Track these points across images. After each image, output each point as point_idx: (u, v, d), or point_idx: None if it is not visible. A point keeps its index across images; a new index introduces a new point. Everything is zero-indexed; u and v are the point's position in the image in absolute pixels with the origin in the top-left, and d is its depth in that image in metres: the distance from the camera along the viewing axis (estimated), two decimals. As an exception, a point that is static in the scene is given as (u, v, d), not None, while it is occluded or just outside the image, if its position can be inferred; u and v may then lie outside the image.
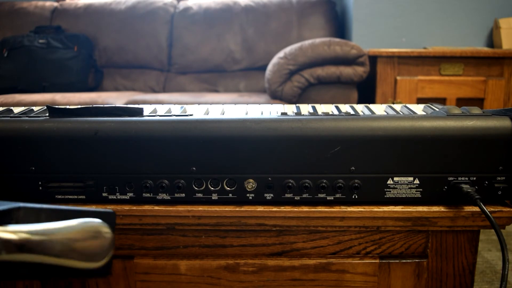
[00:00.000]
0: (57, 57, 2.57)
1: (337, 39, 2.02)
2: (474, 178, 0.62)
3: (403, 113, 0.71)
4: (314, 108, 0.79)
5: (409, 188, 0.63)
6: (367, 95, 2.22)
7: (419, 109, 0.76)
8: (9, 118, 0.65)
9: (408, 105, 0.78)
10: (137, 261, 0.67)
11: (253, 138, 0.61)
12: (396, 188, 0.63)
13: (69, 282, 0.68)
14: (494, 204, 0.63)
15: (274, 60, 2.10)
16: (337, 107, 0.78)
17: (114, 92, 2.51)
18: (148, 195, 0.64)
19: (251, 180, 0.62)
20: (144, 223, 0.64)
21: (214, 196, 0.63)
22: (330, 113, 0.68)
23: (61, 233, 0.38)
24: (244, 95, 2.24)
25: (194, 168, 0.62)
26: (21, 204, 0.38)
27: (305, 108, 0.78)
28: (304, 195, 0.63)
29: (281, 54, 2.08)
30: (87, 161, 0.63)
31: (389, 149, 0.61)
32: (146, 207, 0.63)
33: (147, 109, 0.73)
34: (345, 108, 0.79)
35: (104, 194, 0.64)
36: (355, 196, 0.63)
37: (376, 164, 0.62)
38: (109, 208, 0.63)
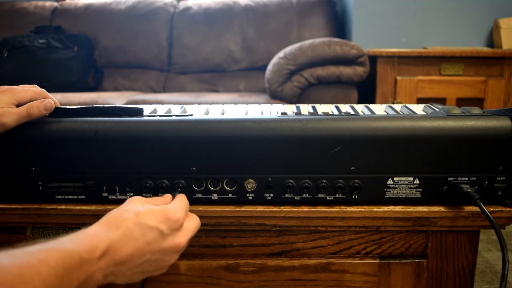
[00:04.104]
0: (57, 57, 2.57)
1: (337, 39, 2.02)
2: (474, 178, 0.62)
3: (403, 113, 0.71)
4: (314, 108, 0.79)
5: (409, 188, 0.63)
6: (367, 95, 2.21)
7: (419, 109, 0.76)
8: (9, 118, 0.65)
9: (408, 105, 0.78)
10: (137, 261, 0.67)
11: (253, 138, 0.61)
12: (396, 188, 0.63)
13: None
14: (494, 204, 0.63)
15: (274, 60, 2.10)
16: (337, 107, 0.78)
17: (114, 92, 2.51)
18: (148, 195, 0.64)
19: (251, 180, 0.62)
20: (144, 223, 0.64)
21: (214, 196, 0.63)
22: (330, 113, 0.68)
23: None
24: (244, 95, 2.24)
25: (194, 168, 0.62)
26: None
27: (305, 108, 0.78)
28: (304, 195, 0.63)
29: (281, 54, 2.08)
30: (87, 161, 0.63)
31: (389, 149, 0.61)
32: (146, 207, 0.63)
33: (147, 109, 0.73)
34: (345, 108, 0.79)
35: (104, 194, 0.64)
36: (355, 196, 0.63)
37: (376, 164, 0.62)
38: (109, 208, 0.63)
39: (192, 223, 0.57)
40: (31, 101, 0.63)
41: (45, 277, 0.40)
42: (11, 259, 0.40)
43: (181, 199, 0.58)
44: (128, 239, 0.49)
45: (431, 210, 0.62)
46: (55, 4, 2.87)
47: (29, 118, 0.62)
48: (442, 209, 0.62)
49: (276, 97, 2.05)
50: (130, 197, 0.63)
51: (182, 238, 0.54)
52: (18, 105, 0.62)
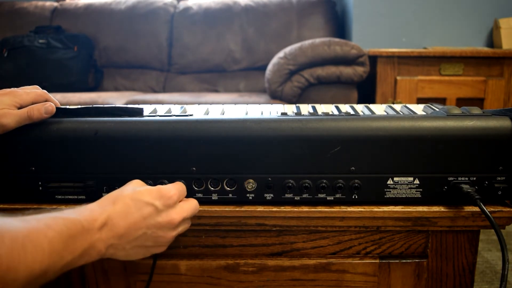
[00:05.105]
0: (57, 57, 2.57)
1: (337, 39, 2.02)
2: (474, 178, 0.62)
3: (403, 113, 0.71)
4: (314, 108, 0.79)
5: (409, 188, 0.63)
6: (367, 95, 2.21)
7: (419, 109, 0.76)
8: (9, 118, 0.65)
9: (408, 105, 0.78)
10: (137, 261, 0.67)
11: (253, 138, 0.61)
12: (396, 188, 0.63)
13: (69, 282, 0.68)
14: (494, 204, 0.63)
15: (274, 60, 2.10)
16: (337, 107, 0.78)
17: (114, 92, 2.51)
18: (148, 195, 0.63)
19: (251, 180, 0.62)
20: (144, 223, 0.64)
21: (214, 196, 0.63)
22: (330, 113, 0.68)
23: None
24: (244, 95, 2.24)
25: (194, 168, 0.62)
26: None
27: (305, 108, 0.78)
28: (304, 195, 0.63)
29: (281, 54, 2.08)
30: (87, 161, 0.63)
31: (389, 149, 0.61)
32: (146, 207, 0.63)
33: (147, 109, 0.73)
34: (345, 108, 0.79)
35: (104, 194, 0.64)
36: (355, 196, 0.63)
37: (376, 164, 0.62)
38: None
39: (189, 205, 0.59)
40: (33, 103, 0.63)
41: (51, 239, 0.45)
42: (22, 222, 0.45)
43: (177, 182, 0.62)
44: (125, 213, 0.53)
45: (431, 210, 0.62)
46: (55, 4, 2.87)
47: (29, 120, 0.62)
48: (442, 209, 0.62)
49: (276, 97, 2.05)
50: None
51: (176, 215, 0.57)
52: (19, 108, 0.62)
